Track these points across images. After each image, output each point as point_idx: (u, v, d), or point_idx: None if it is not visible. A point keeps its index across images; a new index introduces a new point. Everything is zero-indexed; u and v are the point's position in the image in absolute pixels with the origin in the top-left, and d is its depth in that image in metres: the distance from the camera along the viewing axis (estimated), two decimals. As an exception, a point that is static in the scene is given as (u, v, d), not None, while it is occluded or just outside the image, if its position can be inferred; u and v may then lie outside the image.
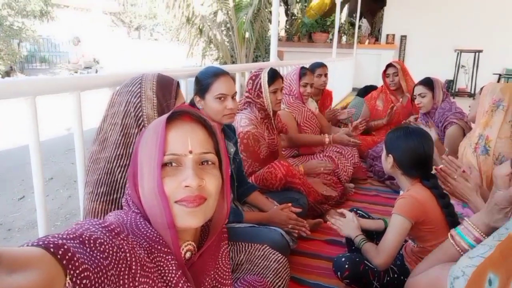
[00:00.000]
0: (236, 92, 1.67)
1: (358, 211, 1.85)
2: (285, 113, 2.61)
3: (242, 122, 2.04)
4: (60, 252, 0.49)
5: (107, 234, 0.61)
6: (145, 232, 0.70)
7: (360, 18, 8.59)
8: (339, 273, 1.52)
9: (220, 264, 0.85)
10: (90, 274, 0.52)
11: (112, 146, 1.05)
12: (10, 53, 12.02)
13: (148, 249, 0.68)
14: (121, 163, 1.04)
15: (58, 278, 0.47)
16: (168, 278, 0.68)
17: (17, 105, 1.08)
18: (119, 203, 1.03)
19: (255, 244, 1.39)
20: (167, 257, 0.69)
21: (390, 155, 1.54)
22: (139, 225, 0.71)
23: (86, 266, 0.52)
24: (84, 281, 0.51)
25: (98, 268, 0.54)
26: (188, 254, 0.76)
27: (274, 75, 2.10)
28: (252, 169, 2.04)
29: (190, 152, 0.71)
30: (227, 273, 0.86)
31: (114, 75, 1.23)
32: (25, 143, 1.09)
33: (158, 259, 0.69)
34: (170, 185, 0.70)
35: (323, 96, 3.39)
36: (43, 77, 1.21)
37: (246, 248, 1.38)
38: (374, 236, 1.75)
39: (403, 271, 1.53)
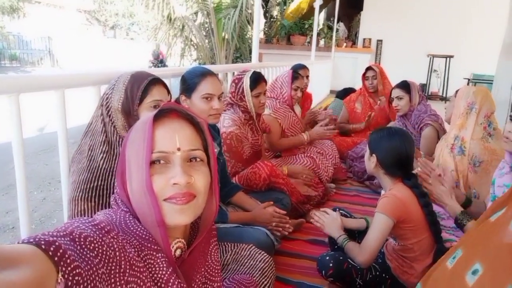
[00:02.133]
0: (222, 93, 1.67)
1: (341, 211, 1.88)
2: (270, 118, 2.57)
3: (225, 123, 2.03)
4: (52, 249, 0.49)
5: (97, 233, 0.61)
6: (134, 231, 0.70)
7: (338, 22, 8.75)
8: (323, 271, 1.54)
9: (210, 261, 0.85)
10: (82, 271, 0.52)
11: (96, 134, 1.12)
12: (-22, 50, 11.54)
13: (138, 247, 0.68)
14: (102, 149, 1.10)
15: (50, 275, 0.47)
16: (159, 275, 0.68)
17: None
18: (100, 191, 1.07)
19: (241, 244, 1.39)
20: (157, 255, 0.69)
21: (373, 154, 1.58)
22: (129, 224, 0.70)
23: (77, 263, 0.52)
24: (76, 278, 0.51)
25: (89, 266, 0.54)
26: (178, 252, 0.76)
27: (257, 79, 2.09)
28: (235, 170, 2.04)
29: (178, 149, 0.71)
30: (216, 270, 0.86)
31: (99, 73, 1.22)
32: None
33: (148, 257, 0.68)
34: (158, 182, 0.69)
35: (303, 98, 3.42)
36: (28, 75, 1.18)
37: (232, 248, 1.38)
38: (356, 235, 1.78)
39: (384, 269, 1.56)
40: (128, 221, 0.71)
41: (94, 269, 0.55)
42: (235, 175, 2.03)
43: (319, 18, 8.71)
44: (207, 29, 7.46)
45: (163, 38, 8.58)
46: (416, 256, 1.51)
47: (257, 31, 3.11)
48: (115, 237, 0.64)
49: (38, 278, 0.45)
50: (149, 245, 0.69)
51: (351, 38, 9.37)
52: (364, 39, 8.74)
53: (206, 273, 0.84)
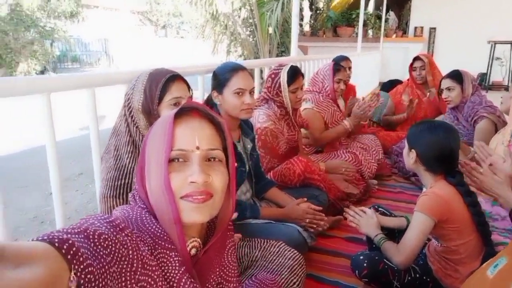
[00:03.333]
0: (254, 87, 1.66)
1: (380, 208, 1.80)
2: (312, 112, 2.51)
3: (260, 118, 2.02)
4: (65, 247, 0.49)
5: (112, 230, 0.61)
6: (149, 228, 0.70)
7: (388, 11, 8.35)
8: (357, 271, 1.48)
9: (226, 261, 0.85)
10: (94, 270, 0.52)
11: (120, 135, 1.14)
12: (44, 53, 12.50)
13: (152, 245, 0.68)
14: (127, 149, 1.12)
15: (62, 273, 0.48)
16: (171, 275, 0.68)
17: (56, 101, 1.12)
18: (127, 188, 1.09)
19: (271, 241, 1.38)
20: (170, 254, 0.69)
21: (412, 149, 1.49)
22: (144, 221, 0.71)
23: (90, 261, 0.52)
24: (88, 276, 0.51)
25: (101, 264, 0.55)
26: (193, 251, 0.76)
27: (294, 74, 2.05)
28: (271, 165, 2.02)
29: (197, 148, 0.71)
30: (233, 270, 0.85)
31: (128, 72, 1.25)
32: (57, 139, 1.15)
33: (161, 255, 0.69)
34: (176, 180, 0.69)
35: (346, 90, 3.31)
36: (58, 74, 1.24)
37: (262, 244, 1.37)
38: (396, 234, 1.69)
39: (425, 271, 1.47)
40: (144, 218, 0.71)
41: (106, 267, 0.56)
42: (270, 170, 2.01)
43: (367, 8, 8.39)
44: (252, 24, 7.46)
45: (210, 35, 8.74)
46: (462, 259, 1.40)
47: (296, 24, 3.04)
48: (129, 234, 0.64)
49: (51, 276, 0.45)
50: (163, 243, 0.69)
51: (402, 27, 8.90)
52: (415, 27, 8.25)
53: (222, 273, 0.83)
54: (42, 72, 12.46)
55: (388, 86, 4.02)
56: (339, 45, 8.06)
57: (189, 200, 0.69)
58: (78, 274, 0.50)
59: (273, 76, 2.07)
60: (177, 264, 0.69)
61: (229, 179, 0.77)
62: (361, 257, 1.49)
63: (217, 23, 8.10)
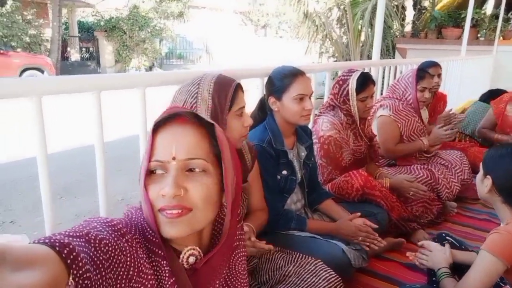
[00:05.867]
0: (312, 92, 1.60)
1: (448, 237, 1.58)
2: (388, 120, 2.32)
3: (324, 126, 1.92)
4: (65, 251, 0.50)
5: (113, 235, 0.62)
6: (146, 233, 0.70)
7: (509, 11, 7.31)
8: (404, 305, 1.32)
9: (234, 271, 0.81)
10: (91, 275, 0.53)
11: None
12: (153, 50, 13.85)
13: (149, 251, 0.69)
14: None
15: (61, 277, 0.48)
16: (163, 284, 0.67)
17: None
18: None
19: (308, 257, 1.30)
20: (162, 262, 0.68)
21: (488, 176, 1.28)
22: (142, 225, 0.71)
23: (88, 267, 0.53)
24: (86, 282, 0.52)
25: (98, 270, 0.55)
26: (191, 259, 0.73)
27: (364, 81, 1.91)
28: (331, 177, 1.91)
29: (174, 158, 0.67)
30: (241, 281, 0.82)
31: (178, 73, 1.29)
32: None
33: (155, 263, 0.68)
34: (152, 192, 0.68)
35: (435, 100, 2.99)
36: (109, 74, 1.34)
37: (298, 259, 1.31)
38: (464, 270, 1.47)
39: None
40: (143, 222, 0.72)
41: (103, 273, 0.56)
42: (330, 182, 1.91)
43: (483, 7, 7.46)
44: (344, 24, 7.21)
45: (304, 35, 8.71)
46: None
47: (380, 24, 2.82)
48: (130, 240, 0.64)
49: (50, 281, 0.45)
50: (156, 250, 0.69)
51: (525, 29, 7.72)
52: (542, 29, 7.09)
53: (228, 284, 0.81)
54: (150, 68, 13.82)
55: (487, 96, 3.50)
56: (443, 48, 7.32)
57: (164, 215, 0.67)
58: (76, 279, 0.50)
59: (341, 82, 1.96)
60: (167, 275, 0.68)
61: (224, 188, 0.72)
62: (412, 290, 1.33)
63: (311, 24, 8.03)
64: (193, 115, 0.72)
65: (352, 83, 1.91)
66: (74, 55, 13.95)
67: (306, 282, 1.22)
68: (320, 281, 1.22)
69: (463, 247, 1.56)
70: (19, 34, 10.57)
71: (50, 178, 1.03)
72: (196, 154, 0.69)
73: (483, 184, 1.30)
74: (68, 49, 13.76)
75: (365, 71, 2.12)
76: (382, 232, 1.74)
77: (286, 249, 1.38)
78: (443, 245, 1.45)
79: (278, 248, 1.40)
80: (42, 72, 9.58)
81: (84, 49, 14.39)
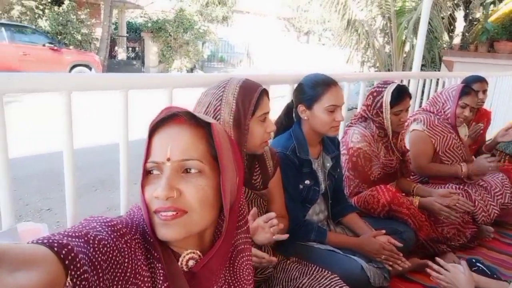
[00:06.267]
0: (344, 103, 1.56)
1: (478, 264, 1.49)
2: (422, 135, 2.22)
3: (354, 138, 1.87)
4: (64, 252, 0.50)
5: (112, 236, 0.61)
6: (145, 234, 0.70)
7: None
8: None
9: (238, 276, 0.80)
10: (89, 276, 0.53)
11: None
12: (196, 53, 14.18)
13: (147, 252, 0.68)
14: None
15: (59, 278, 0.48)
16: (157, 287, 0.66)
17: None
18: None
19: (325, 271, 1.26)
20: (157, 265, 0.68)
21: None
22: (142, 225, 0.71)
23: (86, 267, 0.53)
24: (83, 283, 0.52)
25: (96, 271, 0.55)
26: (191, 263, 0.72)
27: (400, 94, 1.83)
28: (358, 190, 1.85)
29: (168, 159, 0.66)
30: (245, 286, 0.80)
31: (204, 76, 1.30)
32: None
33: (152, 265, 0.68)
34: (147, 193, 0.67)
35: (477, 116, 2.83)
36: (137, 74, 1.38)
37: (313, 272, 1.27)
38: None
39: None
40: (143, 223, 0.71)
41: (101, 274, 0.56)
42: (356, 195, 1.85)
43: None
44: (387, 34, 7.02)
45: (346, 43, 8.57)
46: None
47: (422, 35, 2.74)
48: (129, 241, 0.64)
49: (48, 281, 0.45)
50: (153, 251, 0.68)
51: None
52: None
53: (232, 286, 0.79)
54: (191, 70, 14.15)
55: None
56: (494, 62, 6.94)
57: (158, 216, 0.66)
58: (74, 280, 0.50)
59: (375, 94, 1.89)
60: (162, 278, 0.67)
61: (222, 190, 0.70)
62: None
63: (354, 32, 7.90)
64: (190, 115, 0.71)
65: (387, 96, 1.84)
66: (121, 54, 14.57)
67: (319, 297, 1.18)
68: (334, 297, 1.18)
69: (495, 276, 1.47)
70: (73, 32, 11.19)
71: (75, 171, 1.07)
72: (192, 155, 0.67)
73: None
74: (116, 48, 14.39)
75: (403, 83, 2.05)
76: (408, 252, 1.67)
77: (302, 261, 1.35)
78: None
79: (294, 258, 1.38)
80: (90, 69, 10.08)
81: (130, 48, 15.01)
